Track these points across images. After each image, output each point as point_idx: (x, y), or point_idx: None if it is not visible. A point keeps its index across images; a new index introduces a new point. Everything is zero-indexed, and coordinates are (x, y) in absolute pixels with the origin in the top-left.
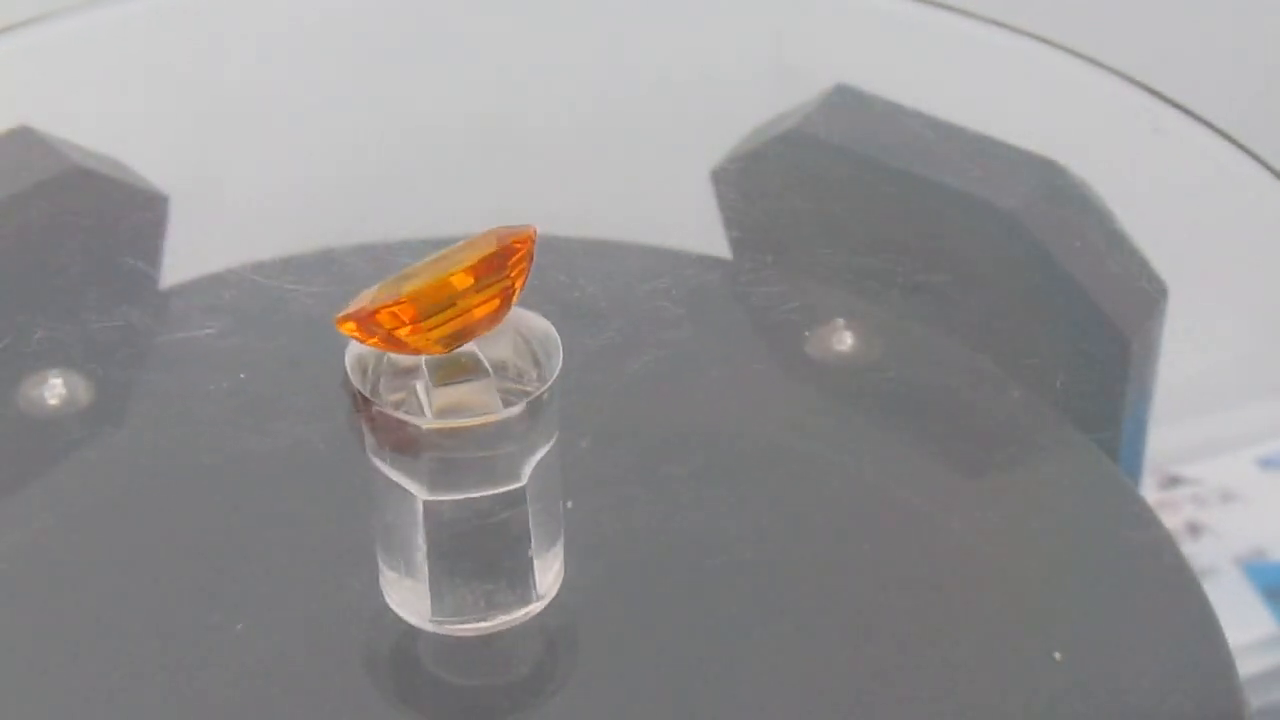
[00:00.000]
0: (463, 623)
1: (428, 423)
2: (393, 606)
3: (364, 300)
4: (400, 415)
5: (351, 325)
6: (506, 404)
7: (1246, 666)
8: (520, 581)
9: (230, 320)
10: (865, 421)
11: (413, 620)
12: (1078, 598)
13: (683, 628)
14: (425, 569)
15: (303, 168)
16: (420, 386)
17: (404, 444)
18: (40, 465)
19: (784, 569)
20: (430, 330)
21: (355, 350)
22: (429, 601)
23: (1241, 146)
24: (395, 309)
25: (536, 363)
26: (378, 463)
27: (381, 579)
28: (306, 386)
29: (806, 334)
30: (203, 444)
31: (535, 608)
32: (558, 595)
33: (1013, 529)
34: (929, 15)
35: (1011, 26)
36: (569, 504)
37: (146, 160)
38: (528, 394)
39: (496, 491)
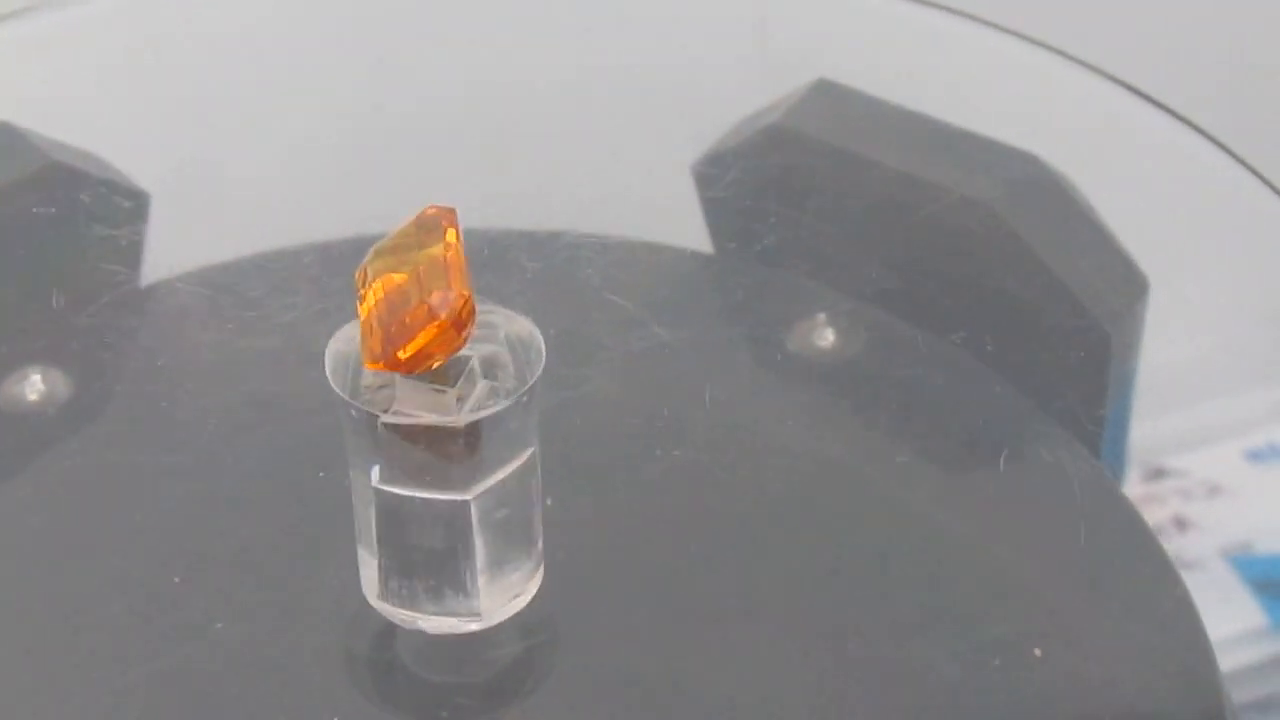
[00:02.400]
0: (400, 612)
1: (455, 420)
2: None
3: (384, 329)
4: (439, 418)
5: (383, 364)
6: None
7: (1236, 659)
8: (465, 593)
9: (210, 316)
10: (847, 416)
11: (366, 592)
12: (1058, 593)
13: (663, 624)
14: (374, 552)
15: (286, 163)
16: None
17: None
18: (18, 461)
19: (764, 564)
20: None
21: (335, 349)
22: (375, 584)
23: (1220, 144)
24: (460, 314)
25: (517, 361)
26: (352, 446)
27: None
28: (287, 382)
29: (787, 329)
30: (182, 440)
31: (474, 625)
32: (537, 592)
33: (992, 523)
34: (911, 11)
35: (990, 23)
36: (549, 501)
37: (127, 156)
38: (507, 390)
39: (442, 496)
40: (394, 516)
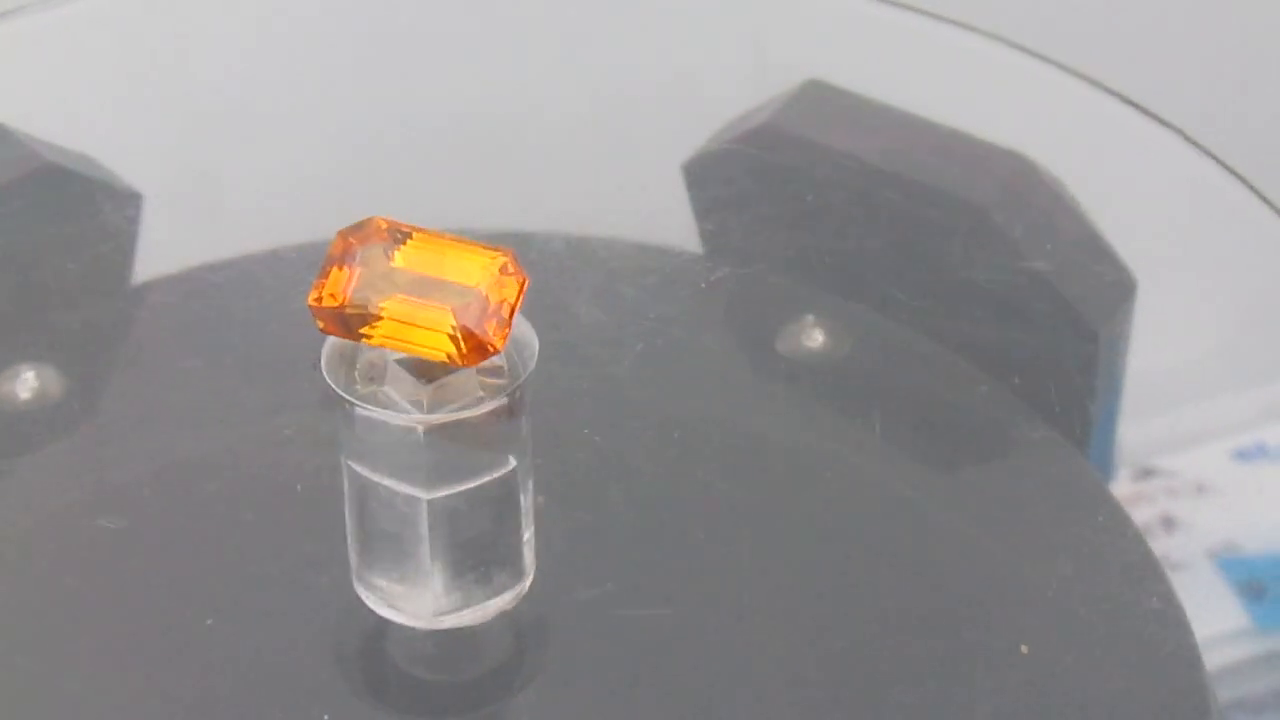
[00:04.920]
0: (462, 613)
1: (423, 419)
2: (383, 613)
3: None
4: (459, 415)
5: (477, 359)
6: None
7: (1219, 659)
8: (513, 562)
9: (202, 316)
10: (835, 417)
11: (415, 623)
12: (1044, 591)
13: (653, 622)
14: (429, 568)
15: (279, 163)
16: (391, 389)
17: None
18: (10, 459)
19: (754, 564)
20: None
21: (332, 345)
22: (431, 600)
23: (1205, 149)
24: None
25: (508, 353)
26: (363, 470)
27: (359, 585)
28: (279, 383)
29: (777, 330)
30: (174, 439)
31: (526, 584)
32: (528, 591)
33: (980, 523)
34: (902, 16)
35: (981, 30)
36: (540, 499)
37: (120, 157)
38: (500, 385)
39: (493, 477)
40: (448, 520)
